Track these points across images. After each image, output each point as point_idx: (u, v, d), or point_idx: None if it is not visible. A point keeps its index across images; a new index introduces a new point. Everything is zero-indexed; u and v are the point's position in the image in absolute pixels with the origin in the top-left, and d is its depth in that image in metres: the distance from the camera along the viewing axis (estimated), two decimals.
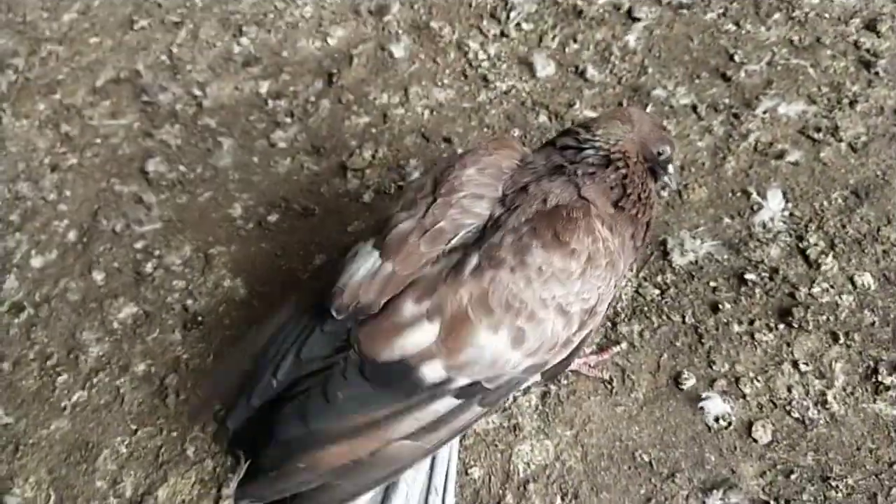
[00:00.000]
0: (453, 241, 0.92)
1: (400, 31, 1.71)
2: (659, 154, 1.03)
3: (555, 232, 0.89)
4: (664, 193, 1.30)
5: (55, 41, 1.83)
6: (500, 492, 1.03)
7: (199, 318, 1.26)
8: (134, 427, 1.16)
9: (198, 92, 1.65)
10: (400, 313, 0.87)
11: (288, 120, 1.56)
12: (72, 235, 1.42)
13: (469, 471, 1.05)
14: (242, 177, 1.48)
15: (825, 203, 1.25)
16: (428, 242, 0.91)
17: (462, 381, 0.88)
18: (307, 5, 1.81)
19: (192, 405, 1.17)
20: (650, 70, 1.52)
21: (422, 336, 0.86)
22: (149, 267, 1.34)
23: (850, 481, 0.97)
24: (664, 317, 1.16)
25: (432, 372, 0.87)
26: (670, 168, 1.07)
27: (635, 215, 0.97)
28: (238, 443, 0.92)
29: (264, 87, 1.64)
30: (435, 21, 1.71)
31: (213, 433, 1.11)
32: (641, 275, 1.21)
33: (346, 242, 1.33)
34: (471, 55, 1.63)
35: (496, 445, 1.07)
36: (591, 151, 0.97)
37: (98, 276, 1.35)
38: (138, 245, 1.39)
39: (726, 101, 1.43)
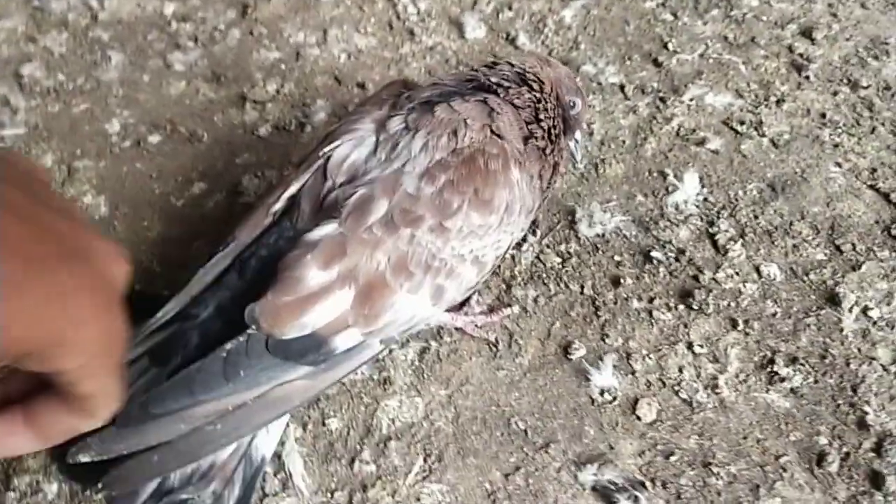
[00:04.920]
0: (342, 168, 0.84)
1: None
2: (571, 105, 0.97)
3: (475, 189, 0.82)
4: (571, 167, 1.23)
5: None
6: (357, 446, 0.91)
7: None
8: None
9: (94, 3, 1.49)
10: (305, 283, 0.76)
11: (190, 44, 1.43)
12: None
13: (326, 421, 0.93)
14: (127, 93, 1.33)
15: (740, 192, 1.19)
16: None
17: (376, 340, 0.82)
18: None
19: None
20: (583, 46, 1.46)
21: (334, 306, 0.76)
22: None
23: (732, 469, 0.90)
24: (562, 285, 1.08)
25: (347, 340, 0.78)
26: (577, 135, 1.02)
27: (543, 150, 0.91)
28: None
29: (170, 8, 1.50)
30: None
31: None
32: (545, 241, 1.13)
33: (233, 174, 1.22)
34: (399, 7, 1.53)
35: (361, 398, 0.96)
36: (505, 67, 0.92)
37: None
38: None
39: (655, 84, 1.38)
